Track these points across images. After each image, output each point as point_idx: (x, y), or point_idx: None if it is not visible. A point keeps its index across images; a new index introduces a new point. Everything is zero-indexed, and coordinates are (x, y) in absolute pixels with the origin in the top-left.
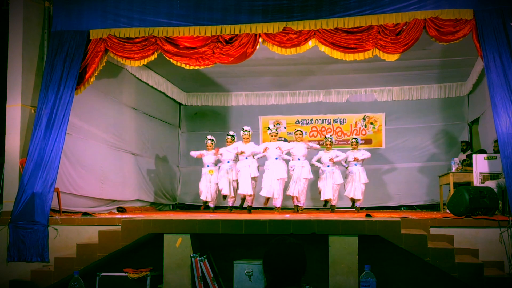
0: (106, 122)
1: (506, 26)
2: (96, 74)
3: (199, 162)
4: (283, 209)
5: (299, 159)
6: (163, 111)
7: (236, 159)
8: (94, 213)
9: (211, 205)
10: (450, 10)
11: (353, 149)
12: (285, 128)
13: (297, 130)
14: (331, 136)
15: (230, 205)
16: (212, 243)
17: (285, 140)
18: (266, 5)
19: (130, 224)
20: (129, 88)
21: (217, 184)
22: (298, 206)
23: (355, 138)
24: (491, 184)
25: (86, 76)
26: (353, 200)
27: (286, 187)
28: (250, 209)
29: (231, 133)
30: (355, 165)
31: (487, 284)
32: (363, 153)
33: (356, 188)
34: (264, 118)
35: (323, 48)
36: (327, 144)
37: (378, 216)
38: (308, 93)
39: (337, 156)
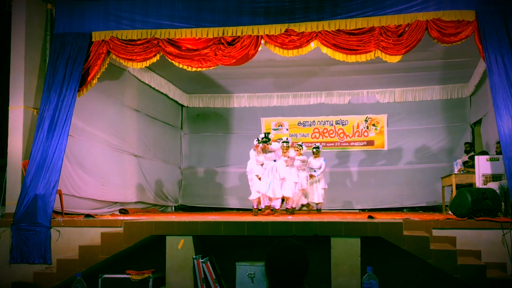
0: (108, 124)
1: (508, 27)
2: (98, 76)
3: (200, 163)
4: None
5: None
6: (165, 113)
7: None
8: (96, 215)
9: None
10: (452, 11)
11: (315, 157)
12: (287, 129)
13: (283, 142)
14: (287, 139)
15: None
16: (214, 244)
17: (287, 140)
18: (268, 7)
19: (132, 226)
20: (131, 90)
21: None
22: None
23: (316, 147)
24: (493, 185)
25: (89, 78)
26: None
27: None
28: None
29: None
30: (315, 171)
31: (489, 285)
32: (320, 165)
33: (317, 192)
34: (266, 120)
35: (325, 50)
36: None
37: (380, 218)
38: (310, 95)
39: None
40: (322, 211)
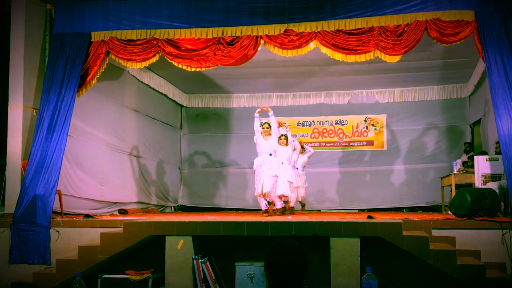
0: (108, 124)
1: (507, 27)
2: (97, 76)
3: (200, 163)
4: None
5: (282, 162)
6: (164, 113)
7: None
8: (95, 215)
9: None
10: (452, 11)
11: (301, 153)
12: None
13: (282, 135)
14: (287, 130)
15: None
16: (213, 245)
17: (286, 134)
18: (267, 7)
19: (131, 226)
20: (131, 90)
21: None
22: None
23: (301, 147)
24: (493, 185)
25: (88, 78)
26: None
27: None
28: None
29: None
30: (297, 169)
31: (489, 285)
32: (308, 152)
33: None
34: (265, 120)
35: (325, 50)
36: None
37: (380, 218)
38: (309, 95)
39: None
40: (321, 211)
